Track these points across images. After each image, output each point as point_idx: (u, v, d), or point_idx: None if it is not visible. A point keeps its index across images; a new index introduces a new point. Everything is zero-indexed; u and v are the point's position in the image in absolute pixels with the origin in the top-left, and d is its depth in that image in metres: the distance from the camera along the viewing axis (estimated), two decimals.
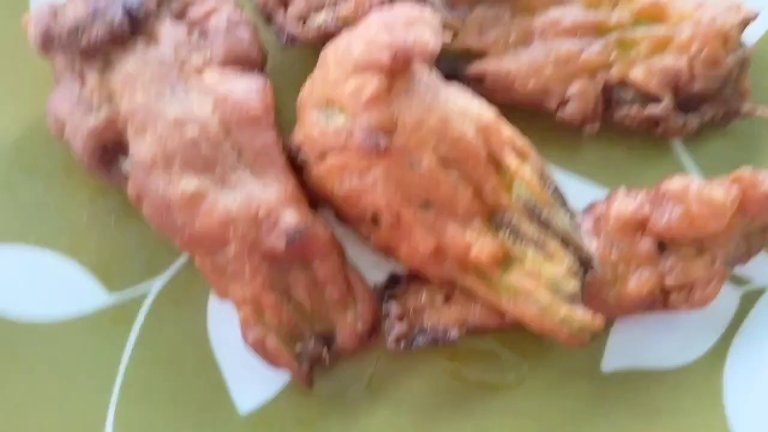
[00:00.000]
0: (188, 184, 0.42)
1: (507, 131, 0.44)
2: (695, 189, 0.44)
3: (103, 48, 0.45)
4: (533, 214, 0.43)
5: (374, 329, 0.45)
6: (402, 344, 0.44)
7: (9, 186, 0.48)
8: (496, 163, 0.44)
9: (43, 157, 0.49)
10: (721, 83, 0.48)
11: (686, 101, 0.49)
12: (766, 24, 0.52)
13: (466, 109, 0.44)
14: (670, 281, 0.44)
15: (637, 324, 0.47)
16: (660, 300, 0.44)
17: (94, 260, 0.47)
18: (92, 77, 0.45)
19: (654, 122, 0.49)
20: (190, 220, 0.42)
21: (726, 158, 0.50)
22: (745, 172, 0.44)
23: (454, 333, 0.44)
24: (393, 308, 0.45)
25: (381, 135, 0.42)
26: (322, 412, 0.45)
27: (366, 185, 0.43)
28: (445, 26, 0.51)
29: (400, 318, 0.45)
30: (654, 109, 0.49)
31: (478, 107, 0.45)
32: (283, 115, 0.48)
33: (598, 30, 0.49)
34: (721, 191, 0.43)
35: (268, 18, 0.50)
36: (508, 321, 0.44)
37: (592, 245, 0.45)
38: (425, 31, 0.43)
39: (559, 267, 0.42)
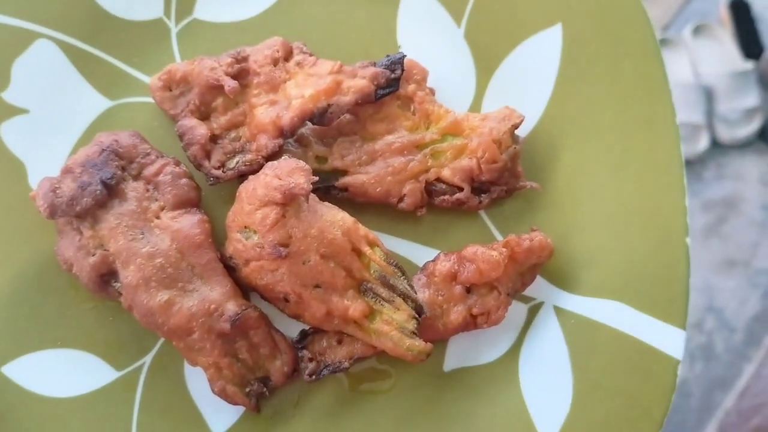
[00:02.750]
0: (162, 296, 0.65)
1: (362, 230, 0.68)
2: (480, 252, 0.68)
3: (91, 211, 0.67)
4: (385, 282, 0.68)
5: (296, 369, 0.69)
6: (313, 377, 0.68)
7: (36, 306, 0.69)
8: (357, 252, 0.68)
9: (58, 281, 0.70)
10: (500, 173, 0.73)
11: (479, 187, 0.74)
12: (531, 123, 0.77)
13: (334, 220, 0.68)
14: (475, 311, 0.69)
15: (463, 339, 0.67)
16: (471, 323, 0.70)
17: (102, 349, 0.66)
18: (86, 231, 0.67)
19: (461, 203, 0.74)
20: (167, 320, 0.65)
21: (514, 218, 0.73)
22: (511, 237, 0.69)
23: (345, 364, 0.68)
24: (305, 354, 0.69)
25: (281, 248, 0.66)
26: (269, 425, 0.67)
27: (277, 279, 0.66)
28: (318, 157, 0.75)
29: (311, 360, 0.68)
30: (460, 195, 0.73)
31: (342, 217, 0.68)
32: (216, 231, 0.72)
33: (418, 147, 0.73)
34: (496, 253, 0.69)
35: (198, 167, 0.72)
36: (378, 351, 0.69)
37: (425, 295, 0.70)
38: (300, 177, 0.66)
39: (403, 315, 0.67)
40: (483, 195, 0.74)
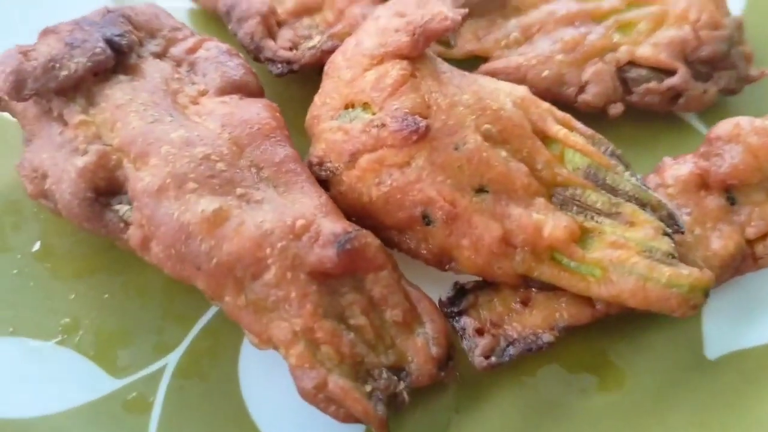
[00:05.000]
0: (207, 204, 0.35)
1: (542, 102, 0.41)
2: (748, 124, 0.41)
3: (84, 82, 0.39)
4: (597, 181, 0.39)
5: (451, 353, 0.37)
6: (493, 359, 0.37)
7: None
8: (542, 136, 0.40)
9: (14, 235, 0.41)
10: (727, 46, 0.48)
11: (697, 72, 0.48)
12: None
13: (497, 87, 0.41)
14: (751, 232, 0.40)
15: (731, 301, 0.42)
16: (749, 256, 0.40)
17: (90, 346, 0.39)
18: (74, 117, 0.38)
19: (675, 94, 0.47)
20: (217, 244, 0.35)
21: None
22: None
23: (547, 337, 0.37)
24: (468, 323, 0.38)
25: (417, 117, 0.37)
26: None
27: (410, 178, 0.37)
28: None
29: (480, 332, 0.38)
30: (673, 80, 0.47)
31: (509, 85, 0.41)
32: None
33: (594, 17, 0.48)
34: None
35: (256, 52, 0.46)
36: (600, 311, 0.38)
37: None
38: (439, 5, 0.40)
39: (646, 231, 0.37)
40: (708, 83, 0.47)
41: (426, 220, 0.38)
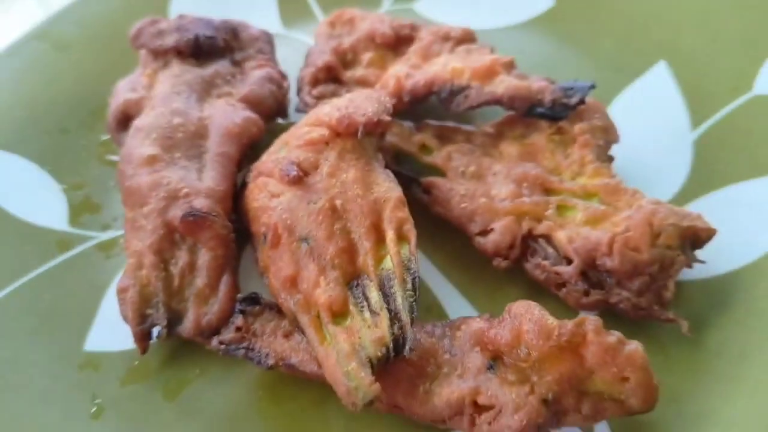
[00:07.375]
0: (149, 150, 0.52)
1: (401, 213, 0.48)
2: (536, 311, 0.43)
3: (167, 54, 0.59)
4: (383, 286, 0.45)
5: (217, 328, 0.48)
6: (222, 347, 0.47)
7: None
8: (379, 234, 0.48)
9: None
10: (635, 272, 0.47)
11: (602, 280, 0.48)
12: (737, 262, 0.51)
13: (379, 182, 0.49)
14: (482, 398, 0.42)
15: None
16: (468, 415, 0.43)
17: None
18: (149, 69, 0.59)
19: (559, 282, 0.49)
20: (135, 174, 0.51)
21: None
22: (592, 319, 0.42)
23: (268, 362, 0.46)
24: (237, 319, 0.48)
25: (296, 168, 0.49)
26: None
27: (271, 205, 0.49)
28: (425, 146, 0.58)
29: (238, 329, 0.48)
30: (562, 269, 0.49)
31: (390, 187, 0.49)
32: None
33: (547, 189, 0.52)
34: (554, 320, 0.42)
35: (298, 92, 0.61)
36: (320, 375, 0.45)
37: (429, 341, 0.45)
38: (371, 105, 0.50)
39: (374, 334, 0.43)
40: (595, 290, 0.48)
41: (264, 238, 0.49)
